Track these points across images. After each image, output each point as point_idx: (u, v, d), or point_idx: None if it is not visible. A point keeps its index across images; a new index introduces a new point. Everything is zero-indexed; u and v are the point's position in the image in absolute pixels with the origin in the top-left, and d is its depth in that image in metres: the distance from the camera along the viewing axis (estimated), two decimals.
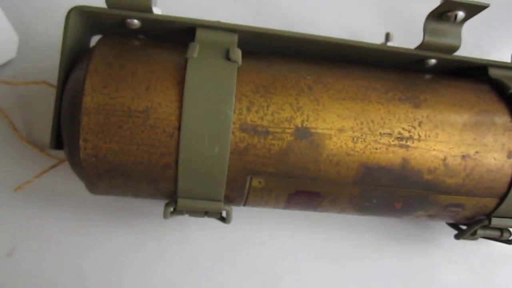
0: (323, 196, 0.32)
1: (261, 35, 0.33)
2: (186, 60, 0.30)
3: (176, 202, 0.31)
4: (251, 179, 0.31)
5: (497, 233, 0.36)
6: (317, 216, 0.41)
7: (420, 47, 0.35)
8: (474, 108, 0.32)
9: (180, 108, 0.29)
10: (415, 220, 0.39)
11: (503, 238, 0.37)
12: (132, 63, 0.29)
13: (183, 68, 0.30)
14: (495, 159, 0.32)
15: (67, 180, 0.38)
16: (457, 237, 0.37)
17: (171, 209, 0.32)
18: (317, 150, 0.30)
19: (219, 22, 0.32)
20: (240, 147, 0.29)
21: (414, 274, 0.42)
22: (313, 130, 0.30)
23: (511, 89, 0.33)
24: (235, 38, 0.32)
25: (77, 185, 0.38)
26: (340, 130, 0.30)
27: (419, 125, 0.31)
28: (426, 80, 0.34)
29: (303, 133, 0.30)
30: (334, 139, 0.30)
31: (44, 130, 0.38)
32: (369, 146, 0.30)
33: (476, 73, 0.37)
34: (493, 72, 0.36)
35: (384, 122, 0.30)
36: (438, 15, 0.33)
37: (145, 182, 0.31)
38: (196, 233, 0.40)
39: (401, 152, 0.31)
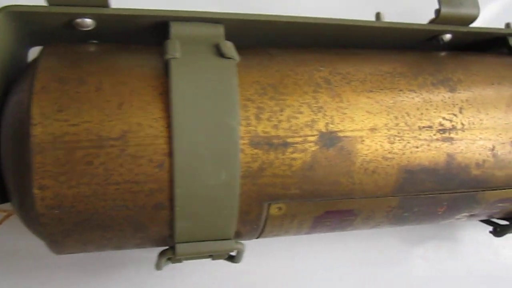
0: (356, 213, 0.26)
1: (253, 23, 0.26)
2: (166, 63, 0.22)
3: (173, 249, 0.24)
4: (269, 206, 0.24)
5: None
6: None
7: (435, 20, 0.29)
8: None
9: (169, 126, 0.21)
10: (449, 223, 0.33)
11: None
12: (94, 75, 0.22)
13: (164, 74, 0.22)
14: None
15: (20, 237, 0.30)
16: (498, 234, 0.32)
17: (167, 258, 0.25)
18: (349, 158, 0.24)
19: (199, 12, 0.25)
20: (253, 168, 0.22)
21: (446, 277, 0.37)
22: (341, 134, 0.23)
23: None
24: (220, 30, 0.25)
25: (35, 242, 0.29)
26: (373, 130, 0.24)
27: (461, 112, 0.26)
28: (451, 58, 0.29)
29: (329, 139, 0.23)
30: (367, 141, 0.24)
31: None
32: (408, 144, 0.24)
33: (492, 46, 0.32)
34: None
35: (422, 113, 0.25)
36: None
37: (131, 230, 0.23)
38: (193, 279, 0.32)
39: (445, 147, 0.25)
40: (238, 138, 0.22)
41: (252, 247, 0.31)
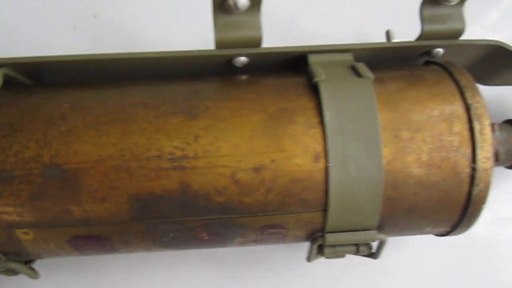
0: (107, 238, 0.27)
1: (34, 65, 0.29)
2: None
3: None
4: (14, 231, 0.27)
5: (351, 249, 0.30)
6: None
7: (219, 45, 0.30)
8: (269, 109, 0.27)
9: None
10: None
11: (362, 253, 0.30)
12: None
13: None
14: (298, 165, 0.26)
15: None
16: (308, 259, 0.31)
17: None
18: (75, 188, 0.25)
19: None
20: None
21: None
22: (65, 166, 0.25)
23: (316, 77, 0.27)
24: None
25: None
26: (98, 161, 0.25)
27: (195, 140, 0.26)
28: (220, 83, 0.29)
29: (52, 171, 0.25)
30: (92, 172, 0.25)
31: None
32: (136, 174, 0.25)
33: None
34: (313, 59, 0.30)
35: (151, 144, 0.26)
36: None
37: None
38: None
39: (177, 175, 0.26)
40: None
41: None
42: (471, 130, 0.27)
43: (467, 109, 0.27)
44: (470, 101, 0.27)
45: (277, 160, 0.26)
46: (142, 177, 0.26)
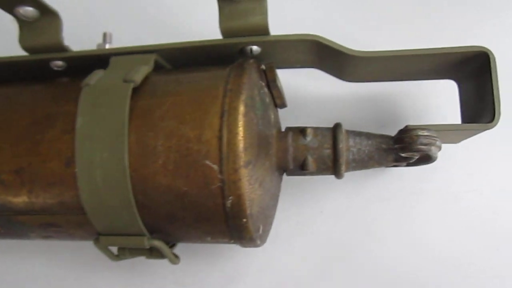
0: None
1: None
2: None
3: None
4: None
5: (144, 252, 0.30)
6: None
7: (28, 51, 0.31)
8: (37, 114, 0.28)
9: None
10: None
11: (156, 257, 0.30)
12: None
13: None
14: (52, 169, 0.27)
15: None
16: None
17: None
18: None
19: None
20: None
21: None
22: None
23: (83, 82, 0.28)
24: None
25: None
26: None
27: None
28: (21, 90, 0.31)
29: None
30: None
31: None
32: None
33: None
34: (114, 61, 0.30)
35: None
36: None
37: None
38: None
39: None
40: None
41: None
42: (220, 138, 0.25)
43: (221, 116, 0.25)
44: (226, 107, 0.25)
45: (33, 163, 0.27)
46: None
